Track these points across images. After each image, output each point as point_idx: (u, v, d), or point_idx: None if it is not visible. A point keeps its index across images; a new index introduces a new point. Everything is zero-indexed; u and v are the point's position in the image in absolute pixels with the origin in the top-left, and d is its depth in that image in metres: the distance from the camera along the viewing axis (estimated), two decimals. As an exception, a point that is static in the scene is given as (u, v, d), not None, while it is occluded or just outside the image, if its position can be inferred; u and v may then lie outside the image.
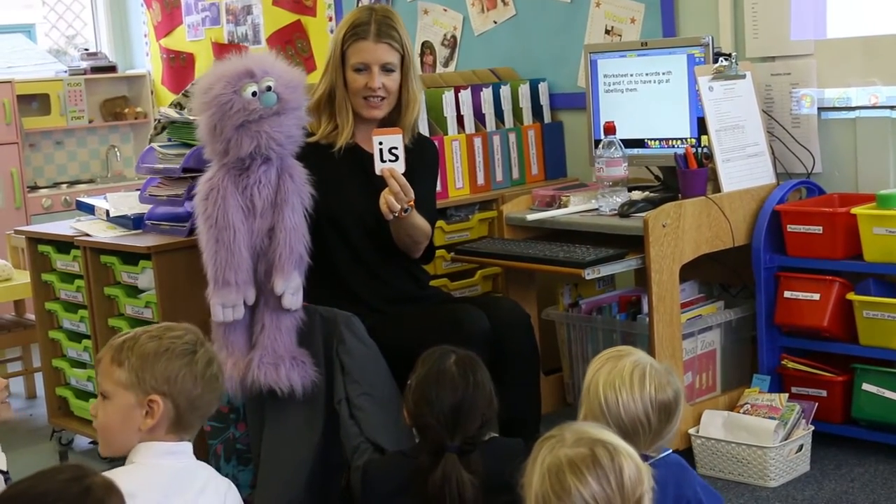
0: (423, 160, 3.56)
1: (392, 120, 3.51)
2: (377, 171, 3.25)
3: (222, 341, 3.19)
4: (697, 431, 3.60)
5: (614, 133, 3.78)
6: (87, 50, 7.49)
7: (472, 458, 2.52)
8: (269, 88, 3.10)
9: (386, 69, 3.43)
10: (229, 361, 3.16)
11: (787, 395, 3.62)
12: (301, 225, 3.17)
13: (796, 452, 3.51)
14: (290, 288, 3.15)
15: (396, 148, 3.26)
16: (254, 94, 3.09)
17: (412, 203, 3.28)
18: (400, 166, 3.25)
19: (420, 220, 3.38)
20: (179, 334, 2.34)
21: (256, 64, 3.12)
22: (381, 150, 3.26)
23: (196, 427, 2.39)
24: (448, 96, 4.38)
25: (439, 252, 4.08)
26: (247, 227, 3.14)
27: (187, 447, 2.36)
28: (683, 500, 2.35)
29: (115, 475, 2.03)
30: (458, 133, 4.40)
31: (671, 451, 2.43)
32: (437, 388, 2.55)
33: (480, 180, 4.41)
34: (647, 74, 3.98)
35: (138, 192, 4.04)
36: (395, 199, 3.22)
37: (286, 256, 3.14)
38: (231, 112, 3.08)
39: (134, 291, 3.82)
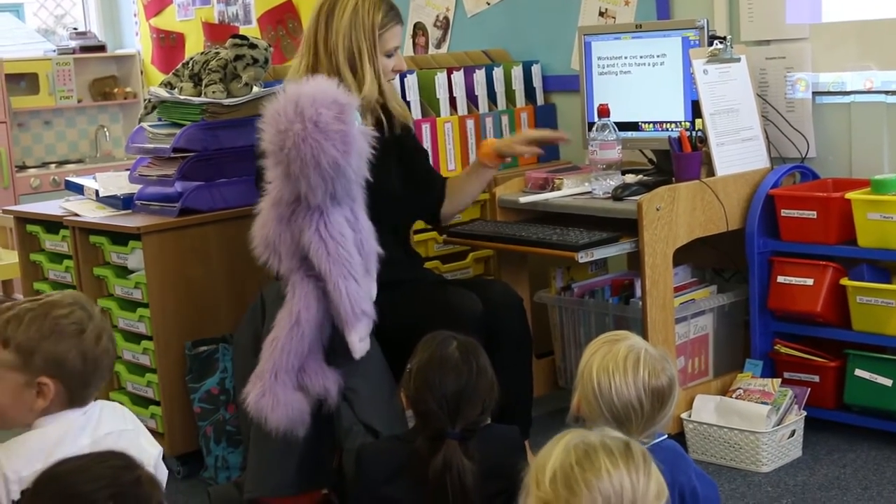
0: (406, 132, 3.63)
1: None
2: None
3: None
4: (689, 416, 3.59)
5: (608, 116, 3.76)
6: (75, 29, 7.44)
7: (470, 445, 2.50)
8: None
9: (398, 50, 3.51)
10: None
11: (779, 380, 3.61)
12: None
13: (788, 438, 3.50)
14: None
15: None
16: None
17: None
18: None
19: None
20: (65, 312, 2.25)
21: (336, 90, 2.96)
22: None
23: (92, 396, 2.33)
24: (441, 78, 4.36)
25: (431, 234, 4.07)
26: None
27: (88, 407, 2.32)
28: (677, 486, 2.32)
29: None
30: (451, 115, 4.37)
31: (666, 436, 2.41)
32: (439, 374, 2.52)
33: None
34: (641, 57, 3.95)
35: (128, 172, 4.02)
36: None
37: (368, 257, 3.09)
38: (357, 148, 2.96)
39: (123, 272, 3.80)
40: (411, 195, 3.58)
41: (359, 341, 2.99)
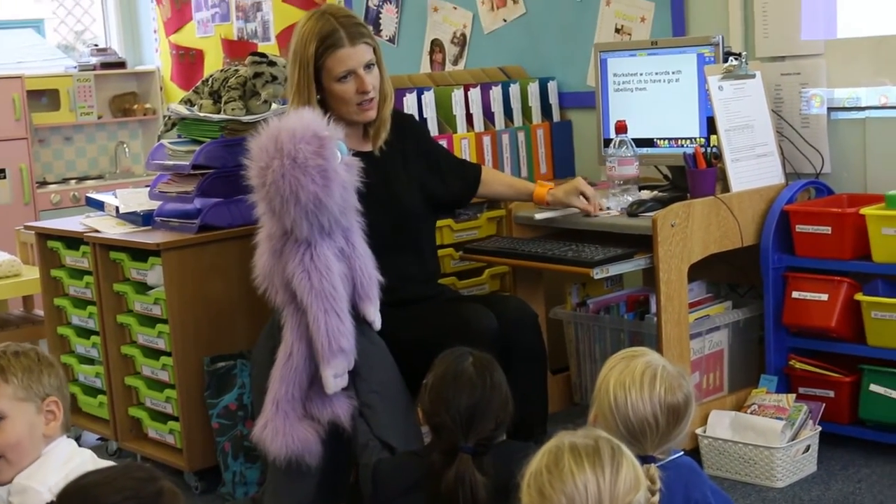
0: (424, 138, 3.70)
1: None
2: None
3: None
4: (704, 431, 3.60)
5: (626, 132, 3.79)
6: (96, 45, 7.50)
7: (484, 461, 2.52)
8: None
9: (367, 67, 3.40)
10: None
11: (794, 395, 3.62)
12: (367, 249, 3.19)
13: (803, 453, 3.51)
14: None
15: None
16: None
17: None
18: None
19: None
20: (28, 349, 2.41)
21: (318, 124, 3.02)
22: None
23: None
24: (457, 94, 4.39)
25: (448, 251, 4.10)
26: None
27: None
28: (692, 502, 2.35)
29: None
30: (468, 131, 4.40)
31: (682, 452, 2.42)
32: (453, 388, 2.55)
33: (489, 179, 4.40)
34: (656, 73, 3.98)
35: (148, 189, 4.05)
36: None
37: (368, 283, 3.15)
38: (340, 182, 3.00)
39: (143, 288, 3.83)
40: (447, 187, 3.65)
41: (333, 377, 3.03)
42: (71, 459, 2.36)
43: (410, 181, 3.51)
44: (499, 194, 3.87)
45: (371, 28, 3.53)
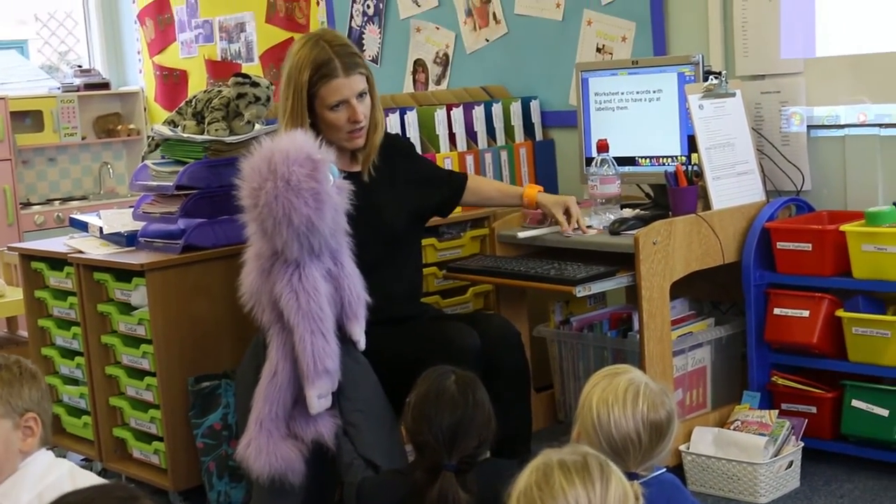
0: (410, 156, 3.71)
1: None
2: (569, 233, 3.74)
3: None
4: (688, 448, 3.62)
5: (607, 150, 3.81)
6: (80, 66, 7.51)
7: (468, 478, 2.53)
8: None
9: (360, 96, 3.41)
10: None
11: (776, 411, 3.63)
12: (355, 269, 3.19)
13: (786, 469, 3.52)
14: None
15: None
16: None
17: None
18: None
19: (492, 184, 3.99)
20: (12, 361, 2.41)
21: (311, 147, 3.03)
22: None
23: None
24: (440, 114, 4.41)
25: (431, 269, 4.11)
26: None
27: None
28: (674, 519, 2.36)
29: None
30: (450, 151, 4.42)
31: (665, 469, 2.44)
32: (436, 406, 2.56)
33: (472, 198, 4.42)
34: (637, 92, 4.00)
35: (132, 210, 4.06)
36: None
37: (355, 303, 3.15)
38: (332, 205, 3.01)
39: (127, 308, 3.83)
40: (435, 197, 3.67)
41: (317, 398, 3.04)
42: (48, 474, 2.34)
43: (398, 202, 3.52)
44: (489, 199, 3.86)
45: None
